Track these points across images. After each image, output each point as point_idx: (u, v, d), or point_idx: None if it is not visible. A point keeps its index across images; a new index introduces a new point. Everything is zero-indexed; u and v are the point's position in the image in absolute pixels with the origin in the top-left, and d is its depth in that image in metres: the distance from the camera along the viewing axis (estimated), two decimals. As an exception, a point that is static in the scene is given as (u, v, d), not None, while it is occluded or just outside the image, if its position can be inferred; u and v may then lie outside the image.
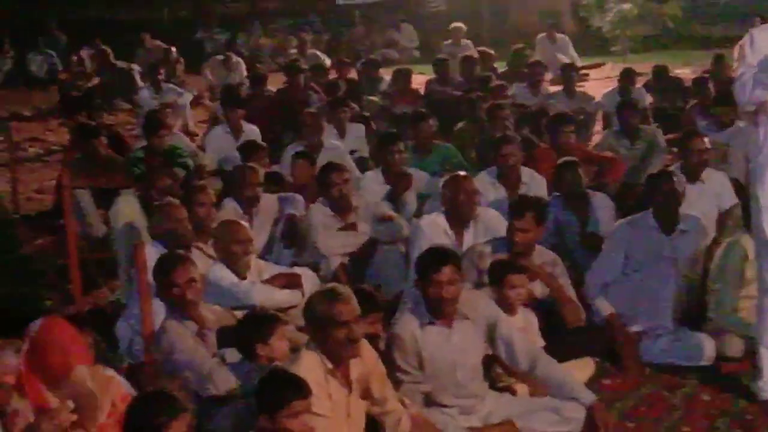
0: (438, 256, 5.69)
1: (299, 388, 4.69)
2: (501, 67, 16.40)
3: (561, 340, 6.48)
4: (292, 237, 8.01)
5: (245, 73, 17.11)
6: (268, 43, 23.04)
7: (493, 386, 5.99)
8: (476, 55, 16.22)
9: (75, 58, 19.56)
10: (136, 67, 17.69)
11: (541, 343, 6.30)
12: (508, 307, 6.17)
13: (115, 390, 4.98)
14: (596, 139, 11.80)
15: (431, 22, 24.07)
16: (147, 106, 14.03)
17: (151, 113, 11.12)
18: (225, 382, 5.41)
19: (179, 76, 17.93)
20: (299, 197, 8.40)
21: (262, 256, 7.82)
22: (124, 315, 6.98)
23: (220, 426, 5.29)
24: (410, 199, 8.74)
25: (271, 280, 6.74)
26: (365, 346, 5.34)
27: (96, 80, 17.69)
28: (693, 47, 21.70)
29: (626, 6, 21.15)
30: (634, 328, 6.74)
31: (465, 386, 5.75)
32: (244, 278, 6.70)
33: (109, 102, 16.63)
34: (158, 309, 5.89)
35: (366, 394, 5.34)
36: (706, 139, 8.36)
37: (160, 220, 7.07)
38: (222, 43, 21.45)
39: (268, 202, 8.19)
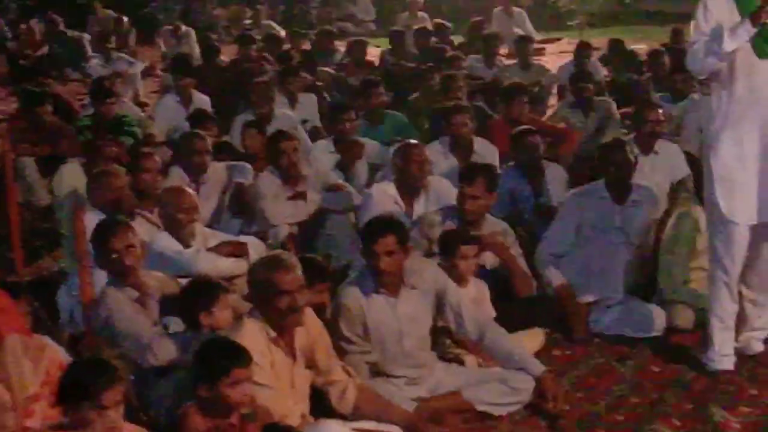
0: (379, 226, 5.60)
1: (240, 356, 4.57)
2: (458, 40, 16.30)
3: (511, 310, 6.41)
4: (241, 206, 7.88)
5: (196, 44, 16.88)
6: (223, 14, 22.77)
7: (441, 357, 5.90)
8: (431, 28, 16.12)
9: (24, 26, 19.22)
10: (86, 37, 17.41)
11: (492, 313, 6.23)
12: (459, 278, 6.08)
13: (49, 358, 4.83)
14: (551, 112, 11.71)
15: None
16: (97, 75, 13.76)
17: (98, 80, 10.97)
18: (165, 351, 5.28)
19: (131, 46, 17.71)
20: (248, 166, 8.26)
21: (210, 226, 7.67)
22: (65, 284, 6.82)
23: (162, 396, 5.17)
24: (361, 168, 8.66)
25: (217, 249, 6.60)
26: (310, 315, 5.24)
27: (45, 49, 17.39)
28: (649, 23, 21.68)
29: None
30: (585, 299, 6.66)
31: (412, 356, 5.67)
32: (189, 246, 6.57)
33: (59, 71, 16.35)
34: (100, 278, 5.74)
35: (311, 364, 5.25)
36: (660, 111, 8.30)
37: (99, 187, 6.91)
38: (176, 13, 21.19)
39: (216, 170, 8.05)
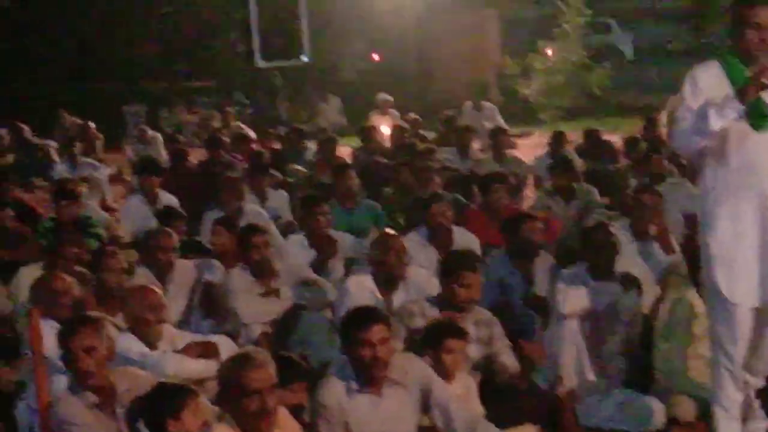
0: (366, 314, 5.23)
1: None
2: (430, 135, 16.10)
3: (501, 405, 5.98)
4: (211, 305, 7.48)
5: (163, 148, 16.64)
6: (192, 119, 22.58)
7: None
8: (404, 124, 15.95)
9: None
10: (52, 144, 17.05)
11: (481, 410, 5.80)
12: (445, 373, 5.68)
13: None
14: (527, 204, 11.43)
15: (354, 92, 23.74)
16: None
17: (59, 182, 10.59)
18: None
19: (97, 152, 17.35)
20: (217, 263, 7.89)
21: (178, 326, 7.27)
22: (24, 396, 6.34)
23: None
24: (336, 263, 8.28)
25: (185, 350, 6.15)
26: (286, 418, 4.83)
27: (11, 158, 17.05)
28: (620, 116, 21.63)
29: (553, 75, 21.02)
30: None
31: (398, 458, 5.24)
32: (156, 348, 6.13)
33: (25, 179, 15.97)
34: (63, 384, 5.38)
35: (288, 471, 4.81)
36: (657, 196, 8.08)
37: (43, 295, 6.50)
38: (143, 118, 20.98)
39: (184, 268, 7.65)
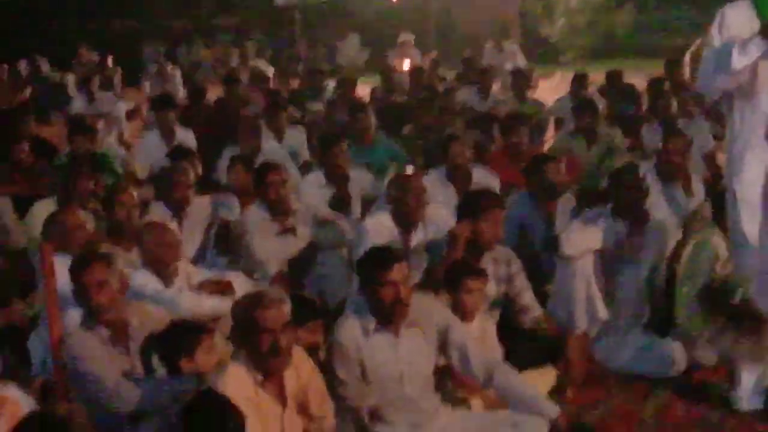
0: (386, 254, 5.10)
1: (231, 425, 4.05)
2: (450, 76, 15.91)
3: (520, 345, 5.90)
4: (226, 242, 7.37)
5: (181, 84, 16.48)
6: (210, 55, 22.37)
7: (445, 400, 5.35)
8: (424, 65, 15.74)
9: (8, 68, 18.80)
10: (70, 78, 16.96)
11: (500, 351, 5.71)
12: (464, 313, 5.58)
13: (9, 414, 4.32)
14: (548, 146, 11.26)
15: (377, 30, 23.46)
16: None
17: (75, 117, 10.49)
18: (134, 397, 4.79)
19: (116, 87, 17.22)
20: (234, 199, 7.80)
21: (194, 264, 7.20)
22: (38, 330, 6.29)
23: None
24: (354, 202, 8.17)
25: (201, 287, 6.08)
26: (301, 356, 4.74)
27: (29, 92, 16.94)
28: (642, 57, 21.30)
29: (576, 15, 20.68)
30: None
31: (414, 400, 5.13)
32: (171, 285, 6.06)
33: (43, 113, 15.86)
34: (76, 318, 5.29)
35: (303, 410, 4.72)
36: (685, 139, 7.92)
37: (55, 229, 6.42)
38: (162, 55, 20.78)
39: (200, 205, 7.56)
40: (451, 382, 5.40)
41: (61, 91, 16.24)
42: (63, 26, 24.22)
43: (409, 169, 7.10)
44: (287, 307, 4.56)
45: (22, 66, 18.93)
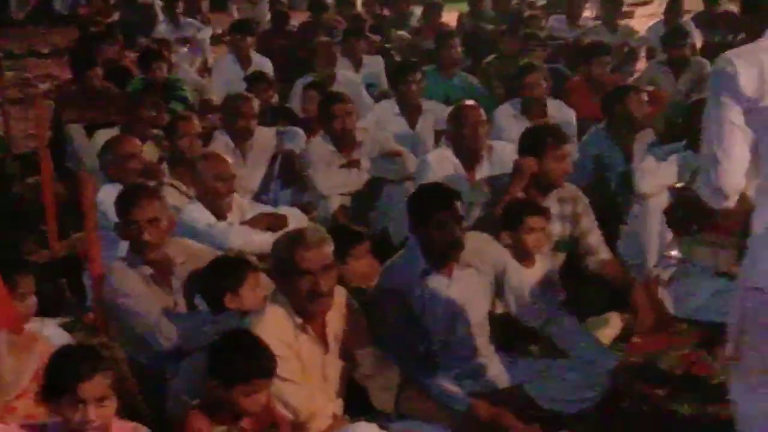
0: (442, 192, 4.84)
1: (263, 363, 3.88)
2: (541, 2, 15.43)
3: (584, 289, 5.61)
4: (291, 174, 7.19)
5: (268, 11, 16.22)
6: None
7: (501, 346, 5.10)
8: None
9: None
10: (157, 3, 16.80)
11: (561, 297, 5.43)
12: (525, 255, 5.31)
13: (41, 351, 4.18)
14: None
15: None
16: (166, 40, 13.21)
17: (146, 47, 10.34)
18: (171, 335, 4.66)
19: (203, 12, 17.04)
20: (299, 131, 7.59)
21: (258, 195, 7.11)
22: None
23: (179, 382, 4.51)
24: (427, 132, 7.90)
25: (253, 222, 5.91)
26: (344, 297, 4.54)
27: (116, 16, 16.89)
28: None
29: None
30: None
31: (466, 344, 4.90)
32: (225, 219, 5.89)
33: (129, 38, 15.79)
34: (124, 251, 5.14)
35: (347, 354, 4.52)
36: None
37: (109, 157, 6.29)
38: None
39: (264, 135, 7.37)
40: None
41: (148, 15, 16.15)
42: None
43: (470, 101, 6.72)
44: (329, 248, 4.36)
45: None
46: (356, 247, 5.13)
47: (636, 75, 10.87)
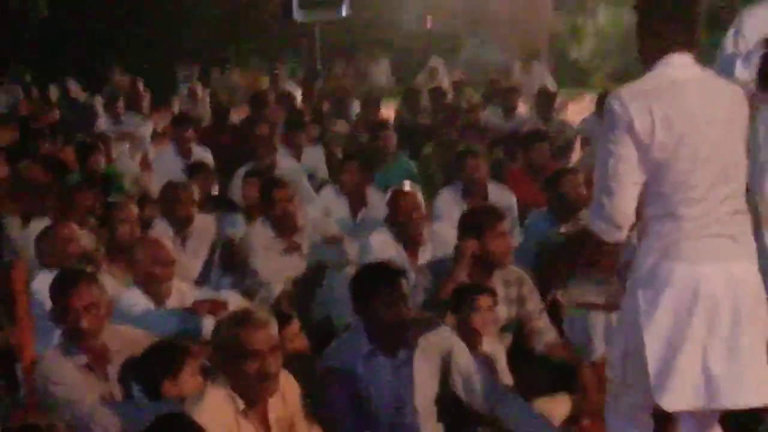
0: (387, 270, 4.64)
1: None
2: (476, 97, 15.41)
3: (531, 372, 5.38)
4: (231, 261, 6.92)
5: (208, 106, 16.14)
6: (242, 80, 21.99)
7: (450, 429, 4.83)
8: (447, 87, 15.27)
9: (38, 93, 18.63)
10: (99, 100, 16.65)
11: (509, 378, 5.20)
12: (473, 335, 5.07)
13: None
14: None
15: (403, 53, 22.92)
16: (106, 135, 13.00)
17: (81, 140, 10.12)
18: (111, 423, 4.32)
19: (144, 109, 16.89)
20: (239, 218, 7.40)
21: (198, 282, 6.76)
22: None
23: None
24: (372, 223, 7.71)
25: (193, 307, 5.62)
26: (288, 380, 4.26)
27: (57, 114, 16.66)
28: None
29: (604, 38, 20.08)
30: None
31: (415, 429, 4.63)
32: (164, 305, 5.60)
33: (69, 134, 15.55)
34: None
35: (288, 440, 4.24)
36: None
37: (46, 243, 6.01)
38: (195, 77, 20.48)
39: (205, 222, 7.11)
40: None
41: (89, 112, 15.96)
42: (93, 50, 23.78)
43: (407, 186, 6.53)
44: (275, 328, 4.11)
45: (52, 89, 18.75)
46: (285, 329, 4.89)
47: (572, 164, 10.82)
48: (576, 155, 11.72)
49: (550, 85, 16.59)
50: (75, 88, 18.04)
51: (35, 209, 8.38)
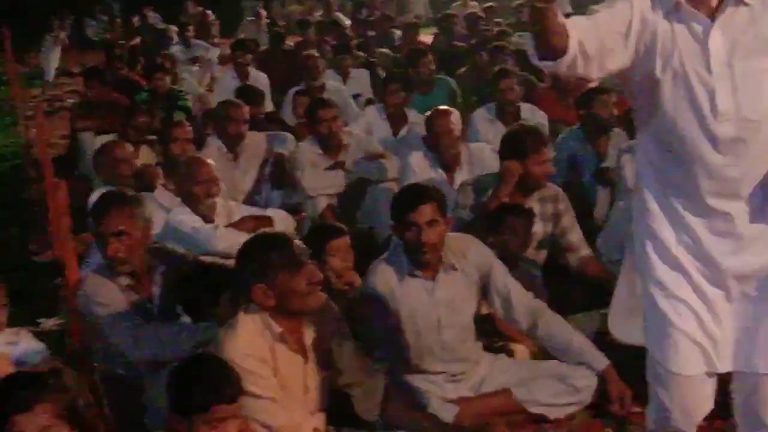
0: (415, 194, 3.86)
1: (225, 387, 2.88)
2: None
3: (566, 287, 4.63)
4: (281, 177, 6.17)
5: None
6: (297, 9, 21.14)
7: (487, 348, 4.12)
8: (480, 12, 14.26)
9: (119, 21, 18.05)
10: (173, 28, 15.91)
11: (544, 296, 4.43)
12: (511, 253, 4.32)
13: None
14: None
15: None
16: (178, 59, 12.30)
17: (151, 61, 9.40)
18: (149, 346, 3.65)
19: (213, 36, 16.15)
20: (289, 135, 6.64)
21: (250, 197, 6.10)
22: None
23: (157, 395, 3.52)
24: (410, 140, 6.91)
25: (239, 224, 4.89)
26: (326, 303, 3.51)
27: (137, 40, 15.98)
28: None
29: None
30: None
31: (453, 349, 3.93)
32: (211, 221, 4.87)
33: (150, 57, 14.94)
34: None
35: (328, 363, 3.51)
36: None
37: (102, 160, 5.30)
38: (259, 8, 19.70)
39: (255, 140, 6.33)
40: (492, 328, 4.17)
41: (164, 38, 15.27)
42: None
43: (444, 107, 5.74)
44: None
45: (134, 19, 18.13)
46: (336, 240, 4.11)
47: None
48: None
49: (569, 9, 15.58)
50: (153, 18, 17.44)
51: (106, 125, 7.76)
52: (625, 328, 3.14)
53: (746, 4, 2.46)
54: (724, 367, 2.69)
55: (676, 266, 2.64)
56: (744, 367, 2.67)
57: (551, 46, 2.39)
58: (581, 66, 2.45)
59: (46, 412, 2.56)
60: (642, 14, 2.48)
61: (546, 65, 2.43)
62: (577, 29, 2.41)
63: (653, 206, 2.67)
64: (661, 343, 2.68)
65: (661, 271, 2.66)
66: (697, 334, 2.64)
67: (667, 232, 2.65)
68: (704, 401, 2.75)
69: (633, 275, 2.91)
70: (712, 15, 2.48)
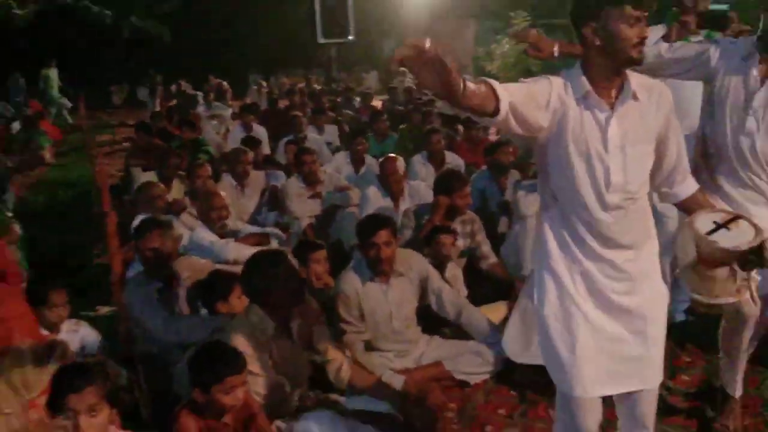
0: (375, 221, 3.62)
1: (233, 363, 2.62)
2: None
3: (480, 286, 4.42)
4: (275, 203, 5.88)
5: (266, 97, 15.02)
6: (288, 81, 20.79)
7: (425, 331, 3.88)
8: (414, 86, 14.10)
9: (161, 89, 17.54)
10: (200, 93, 15.53)
11: (464, 291, 4.24)
12: (441, 261, 4.10)
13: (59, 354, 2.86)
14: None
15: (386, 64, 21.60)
16: (202, 116, 11.92)
17: (183, 117, 9.02)
18: (177, 331, 3.40)
19: (227, 99, 15.75)
20: (281, 173, 6.33)
21: (253, 218, 5.77)
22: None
23: (183, 368, 3.22)
24: (366, 176, 6.65)
25: (244, 239, 4.62)
26: (308, 300, 3.27)
27: (173, 102, 15.53)
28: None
29: (506, 57, 18.59)
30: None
31: (400, 333, 3.69)
32: (224, 237, 4.58)
33: (182, 115, 14.50)
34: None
35: (309, 344, 3.27)
36: None
37: (140, 197, 4.96)
38: (259, 80, 19.33)
39: (257, 176, 6.04)
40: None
41: (192, 101, 14.85)
42: (195, 62, 22.44)
43: (392, 155, 5.51)
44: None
45: (173, 87, 17.71)
46: (316, 252, 3.89)
47: (493, 136, 9.77)
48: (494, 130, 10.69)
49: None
50: (185, 86, 17.01)
51: (149, 163, 7.38)
52: (522, 355, 2.87)
53: (637, 99, 2.22)
54: (616, 389, 2.33)
55: (570, 297, 2.28)
56: (635, 386, 2.32)
57: (474, 110, 2.02)
58: (514, 125, 2.08)
59: (92, 393, 2.28)
60: (559, 95, 2.19)
61: (483, 121, 2.09)
62: (509, 92, 2.05)
63: (552, 245, 2.31)
64: (560, 368, 2.29)
65: (557, 300, 2.29)
66: (593, 359, 2.26)
67: (563, 268, 2.29)
68: (597, 417, 2.36)
69: (526, 301, 2.63)
70: (612, 104, 2.22)
